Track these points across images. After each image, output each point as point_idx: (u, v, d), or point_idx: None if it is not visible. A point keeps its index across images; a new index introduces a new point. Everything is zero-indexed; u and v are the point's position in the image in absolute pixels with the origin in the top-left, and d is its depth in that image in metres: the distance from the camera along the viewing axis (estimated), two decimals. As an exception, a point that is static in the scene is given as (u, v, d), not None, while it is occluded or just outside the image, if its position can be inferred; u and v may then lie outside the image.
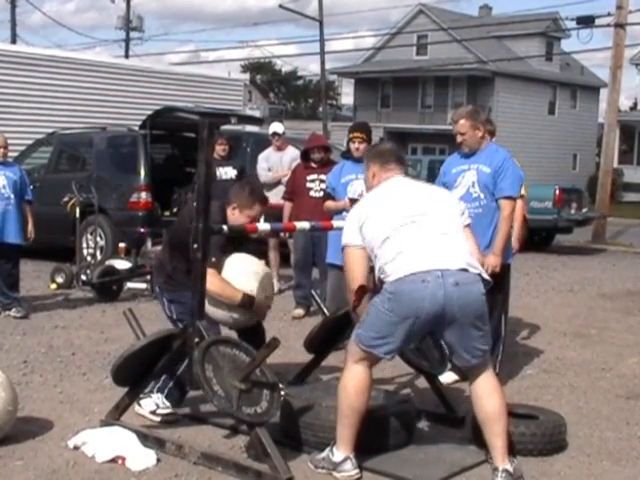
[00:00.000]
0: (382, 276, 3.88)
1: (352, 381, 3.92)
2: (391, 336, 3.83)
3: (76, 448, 4.23)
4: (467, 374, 4.11)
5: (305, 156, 8.21)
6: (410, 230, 3.90)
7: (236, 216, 4.86)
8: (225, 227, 4.48)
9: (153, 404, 4.69)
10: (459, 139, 5.56)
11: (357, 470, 3.96)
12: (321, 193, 7.88)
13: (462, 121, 5.51)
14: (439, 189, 4.37)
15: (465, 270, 3.83)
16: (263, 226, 4.70)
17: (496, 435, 3.90)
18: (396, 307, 3.77)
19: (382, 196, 4.11)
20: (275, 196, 9.02)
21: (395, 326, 3.80)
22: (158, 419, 4.66)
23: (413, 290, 3.74)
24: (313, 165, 8.11)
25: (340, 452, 3.96)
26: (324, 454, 4.03)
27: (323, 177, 7.91)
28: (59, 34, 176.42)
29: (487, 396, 3.94)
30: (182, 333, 4.31)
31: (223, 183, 9.57)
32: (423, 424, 4.71)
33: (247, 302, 4.68)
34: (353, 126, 6.92)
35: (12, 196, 7.81)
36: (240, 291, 4.67)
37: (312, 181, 8.06)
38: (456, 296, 3.75)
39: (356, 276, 4.00)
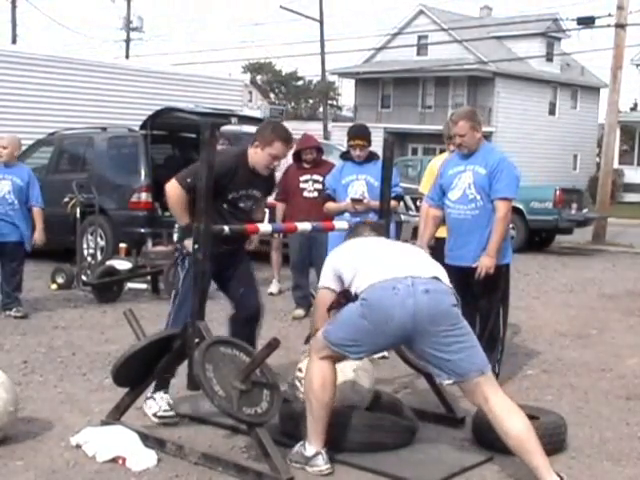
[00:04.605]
0: (357, 290, 3.92)
1: (317, 376, 3.94)
2: (360, 340, 3.86)
3: (78, 446, 4.24)
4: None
5: (297, 157, 8.18)
6: (382, 251, 4.13)
7: (258, 154, 4.71)
8: (226, 228, 4.45)
9: (156, 406, 4.68)
10: (458, 141, 5.51)
11: (329, 465, 3.98)
12: (315, 193, 7.90)
13: (462, 122, 5.46)
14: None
15: (437, 279, 3.89)
16: (265, 227, 4.65)
17: (532, 453, 3.71)
18: (367, 313, 3.80)
19: (356, 245, 4.29)
20: None
21: (365, 332, 3.83)
22: (158, 421, 4.66)
23: (383, 297, 3.78)
24: (305, 165, 8.10)
25: (312, 447, 3.98)
26: (297, 448, 4.06)
27: (316, 177, 7.92)
28: (59, 34, 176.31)
29: (508, 417, 3.77)
30: (182, 333, 4.31)
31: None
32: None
33: (188, 229, 4.44)
34: (353, 132, 6.68)
35: (16, 202, 7.78)
36: (187, 215, 4.57)
37: (305, 181, 8.05)
38: (426, 305, 3.75)
39: (319, 318, 4.22)
